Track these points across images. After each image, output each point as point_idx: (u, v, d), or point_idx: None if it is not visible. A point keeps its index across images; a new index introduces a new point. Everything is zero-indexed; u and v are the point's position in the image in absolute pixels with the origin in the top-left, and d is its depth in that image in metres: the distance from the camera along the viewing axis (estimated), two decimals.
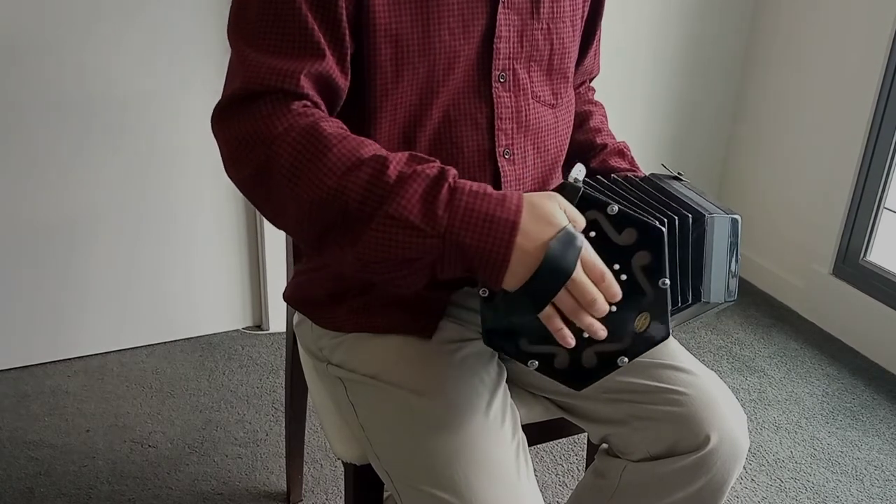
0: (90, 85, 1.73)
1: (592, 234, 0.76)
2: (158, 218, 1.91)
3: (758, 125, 2.44)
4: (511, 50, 0.91)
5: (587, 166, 1.09)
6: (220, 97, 0.83)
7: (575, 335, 0.75)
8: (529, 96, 0.95)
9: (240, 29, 0.83)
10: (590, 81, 1.21)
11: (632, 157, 1.10)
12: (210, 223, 1.97)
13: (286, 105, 0.78)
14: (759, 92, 2.41)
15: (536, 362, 0.79)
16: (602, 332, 0.74)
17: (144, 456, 1.63)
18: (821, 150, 2.23)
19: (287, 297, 1.06)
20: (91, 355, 1.96)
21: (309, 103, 0.80)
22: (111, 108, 1.77)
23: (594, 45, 1.11)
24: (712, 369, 2.03)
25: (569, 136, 1.04)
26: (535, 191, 0.99)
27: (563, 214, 0.73)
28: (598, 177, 0.91)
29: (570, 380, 0.80)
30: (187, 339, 2.06)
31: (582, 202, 0.76)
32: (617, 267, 0.76)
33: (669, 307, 0.77)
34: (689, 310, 0.88)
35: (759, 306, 2.39)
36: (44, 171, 1.76)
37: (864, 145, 2.09)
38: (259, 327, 2.13)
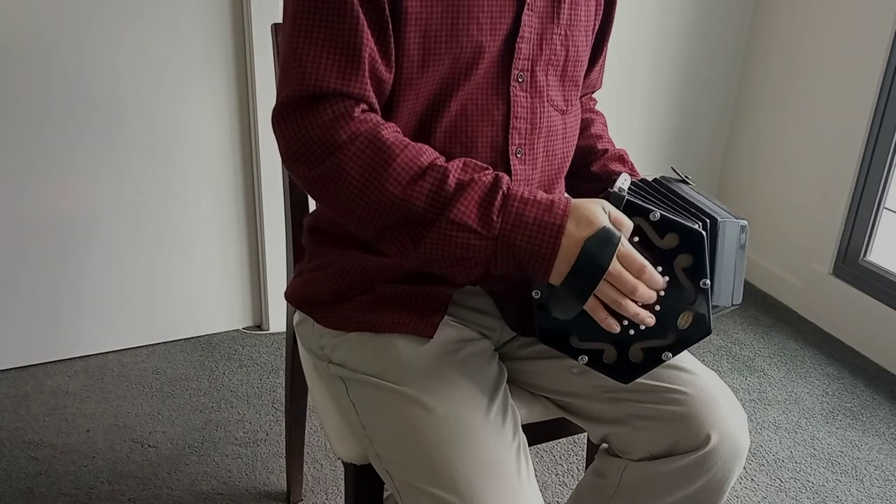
0: (89, 84, 1.73)
1: (636, 238, 0.81)
2: (158, 218, 1.91)
3: (758, 125, 2.44)
4: (531, 51, 0.93)
5: (588, 170, 1.12)
6: (276, 93, 0.86)
7: (622, 332, 0.82)
8: (545, 99, 0.96)
9: (296, 20, 0.84)
10: (592, 93, 1.22)
11: (631, 163, 1.13)
12: (210, 223, 1.97)
13: (348, 111, 0.82)
14: (759, 92, 2.41)
15: (586, 357, 0.85)
16: (650, 319, 0.80)
17: (144, 456, 1.63)
18: (821, 150, 2.23)
19: (289, 296, 1.06)
20: (91, 355, 1.96)
21: (366, 106, 0.85)
22: (111, 107, 1.77)
23: (601, 60, 1.13)
24: (712, 369, 2.04)
25: (575, 143, 1.06)
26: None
27: (604, 216, 0.80)
28: (635, 180, 0.95)
29: (617, 374, 0.86)
30: (187, 339, 2.06)
31: (626, 209, 0.82)
32: (660, 269, 0.81)
33: (710, 305, 0.81)
34: None
35: (759, 306, 2.39)
36: (44, 170, 1.76)
37: (864, 145, 2.09)
38: (259, 327, 2.13)
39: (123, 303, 1.95)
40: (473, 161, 0.84)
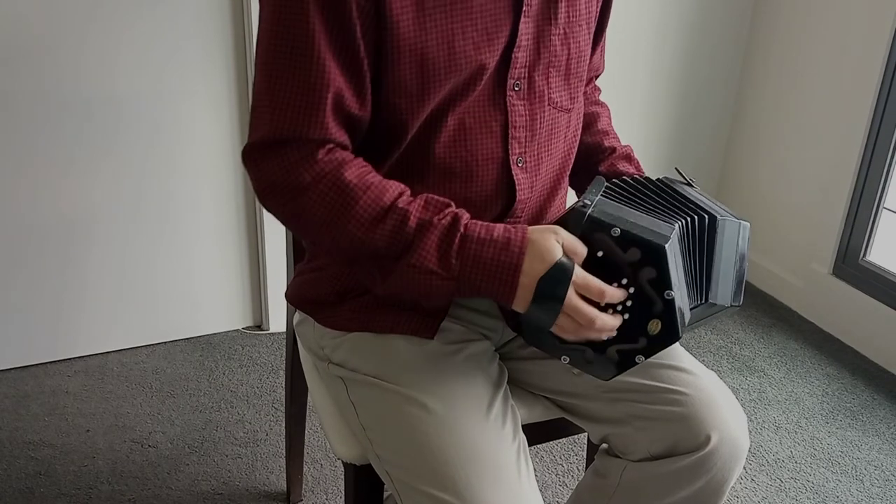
0: (90, 84, 1.73)
1: (600, 253, 0.83)
2: (158, 218, 1.91)
3: (757, 125, 2.44)
4: (528, 58, 0.91)
5: (595, 169, 1.11)
6: (248, 131, 0.88)
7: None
8: (546, 103, 0.95)
9: (263, 61, 0.84)
10: (595, 79, 1.20)
11: (637, 161, 1.13)
12: (210, 223, 1.97)
13: (311, 153, 0.84)
14: (759, 92, 2.41)
15: (568, 358, 0.88)
16: (615, 323, 0.83)
17: (144, 456, 1.63)
18: (820, 150, 2.23)
19: (289, 296, 1.06)
20: (91, 355, 1.96)
21: (332, 144, 0.85)
22: (111, 107, 1.77)
23: (601, 44, 1.11)
24: (712, 369, 2.04)
25: (577, 137, 1.05)
26: (546, 195, 1.00)
27: (558, 249, 0.81)
28: (615, 180, 0.95)
29: (597, 372, 0.88)
30: (187, 339, 2.06)
31: (589, 225, 0.83)
32: (625, 281, 0.83)
33: (678, 315, 0.83)
34: (696, 311, 0.90)
35: (759, 306, 2.39)
36: (44, 170, 1.76)
37: (864, 145, 2.09)
38: (259, 327, 2.13)
39: (123, 303, 1.95)
40: (435, 198, 0.85)
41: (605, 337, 0.84)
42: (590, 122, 1.14)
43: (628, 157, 1.12)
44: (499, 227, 0.84)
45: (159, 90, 1.79)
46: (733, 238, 0.91)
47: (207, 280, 2.02)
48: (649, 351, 0.85)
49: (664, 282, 0.82)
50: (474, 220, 0.85)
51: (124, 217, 1.87)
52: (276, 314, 2.10)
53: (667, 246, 0.81)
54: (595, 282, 0.81)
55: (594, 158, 1.12)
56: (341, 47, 0.82)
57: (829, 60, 2.16)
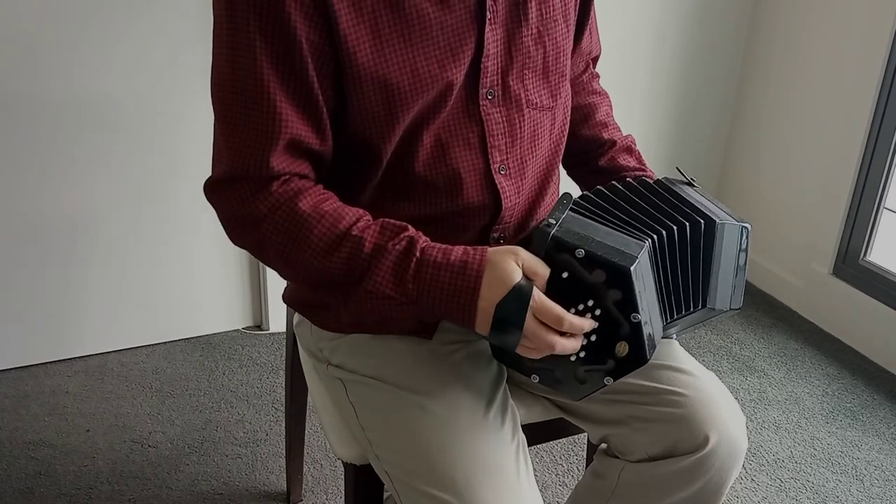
0: (90, 85, 1.73)
1: (565, 274, 0.81)
2: (158, 218, 1.91)
3: (757, 125, 2.44)
4: (499, 65, 0.89)
5: (595, 164, 1.09)
6: (210, 165, 0.89)
7: (564, 358, 0.84)
8: (524, 105, 0.93)
9: (218, 100, 0.84)
10: (594, 65, 1.17)
11: (639, 153, 1.11)
12: (210, 223, 1.97)
13: (266, 186, 0.84)
14: (759, 91, 2.41)
15: (538, 377, 0.86)
16: (574, 346, 0.81)
17: (144, 456, 1.63)
18: (820, 150, 2.23)
19: (287, 298, 1.06)
20: (91, 355, 1.96)
21: (288, 175, 0.85)
22: (112, 107, 1.77)
23: (589, 24, 1.07)
24: (712, 369, 2.04)
25: (566, 130, 1.02)
26: (534, 196, 0.99)
27: (517, 272, 0.79)
28: (600, 188, 0.92)
29: (566, 392, 0.87)
30: (187, 339, 2.06)
31: (554, 245, 0.81)
32: (591, 303, 0.81)
33: (645, 338, 0.81)
34: (694, 315, 0.90)
35: (759, 306, 2.39)
36: (44, 170, 1.76)
37: (864, 145, 2.09)
38: (259, 327, 2.13)
39: (124, 303, 1.95)
40: (391, 222, 0.84)
41: (572, 358, 0.83)
42: (587, 113, 1.11)
43: (629, 150, 1.09)
44: (457, 251, 0.81)
45: (159, 90, 1.79)
46: (733, 241, 0.89)
47: (207, 280, 2.02)
48: (617, 373, 0.83)
49: (630, 304, 0.80)
50: (432, 244, 0.82)
51: (125, 217, 1.87)
52: (275, 314, 2.10)
53: (632, 268, 0.79)
54: (552, 309, 0.78)
55: (593, 153, 1.10)
56: (294, 88, 0.81)
57: (829, 60, 2.16)
